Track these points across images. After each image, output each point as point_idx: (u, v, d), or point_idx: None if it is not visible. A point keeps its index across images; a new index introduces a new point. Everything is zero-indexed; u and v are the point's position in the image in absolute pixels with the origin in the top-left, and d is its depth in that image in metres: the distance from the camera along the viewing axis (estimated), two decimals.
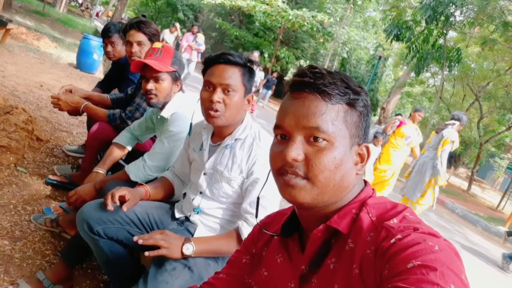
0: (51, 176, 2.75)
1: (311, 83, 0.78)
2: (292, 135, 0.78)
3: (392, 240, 0.67)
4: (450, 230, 7.20)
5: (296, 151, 0.76)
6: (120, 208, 1.61)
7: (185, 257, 1.38)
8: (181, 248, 1.37)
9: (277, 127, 0.82)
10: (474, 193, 16.62)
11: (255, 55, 7.71)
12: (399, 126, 6.02)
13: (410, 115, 6.14)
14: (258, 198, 1.05)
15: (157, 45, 1.98)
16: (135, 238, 1.38)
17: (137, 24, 2.47)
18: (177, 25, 11.79)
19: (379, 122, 20.06)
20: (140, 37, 2.46)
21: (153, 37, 2.48)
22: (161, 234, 1.39)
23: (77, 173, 2.76)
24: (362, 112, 0.81)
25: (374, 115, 21.46)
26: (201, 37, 10.47)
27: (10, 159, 2.77)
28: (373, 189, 0.87)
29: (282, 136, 0.81)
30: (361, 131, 0.82)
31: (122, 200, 1.56)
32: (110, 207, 1.51)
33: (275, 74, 18.54)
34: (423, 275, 0.59)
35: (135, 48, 2.45)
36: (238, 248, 1.08)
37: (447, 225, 7.38)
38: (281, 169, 0.79)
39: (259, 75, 7.62)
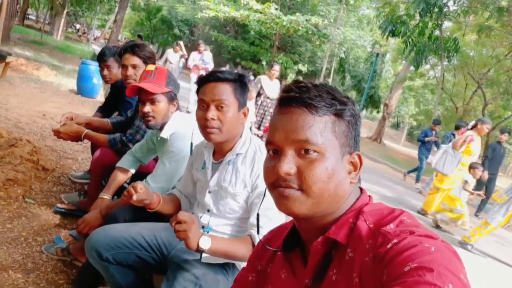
0: (59, 205, 2.78)
1: (297, 98, 0.79)
2: (283, 150, 0.79)
3: (389, 245, 0.68)
4: None
5: (288, 165, 0.78)
6: (127, 232, 1.62)
7: (199, 251, 1.33)
8: (198, 240, 1.31)
9: (268, 142, 0.83)
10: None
11: (276, 68, 7.32)
12: (469, 142, 5.55)
13: (475, 126, 5.59)
14: (257, 215, 1.06)
15: (151, 67, 2.01)
16: (172, 224, 1.31)
17: (131, 48, 2.50)
18: (181, 43, 10.99)
19: (383, 119, 19.99)
20: (135, 60, 2.49)
21: (148, 59, 2.51)
22: (189, 218, 1.31)
23: (84, 200, 2.79)
24: (350, 122, 0.82)
25: (378, 112, 21.38)
26: (208, 55, 9.95)
27: (18, 192, 2.80)
28: (369, 196, 0.87)
29: (274, 151, 0.82)
30: (351, 140, 0.83)
31: (135, 191, 1.54)
32: (135, 197, 1.51)
33: (284, 82, 18.57)
34: (420, 277, 0.59)
35: (130, 71, 2.49)
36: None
37: None
38: (274, 183, 0.80)
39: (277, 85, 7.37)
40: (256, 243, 1.40)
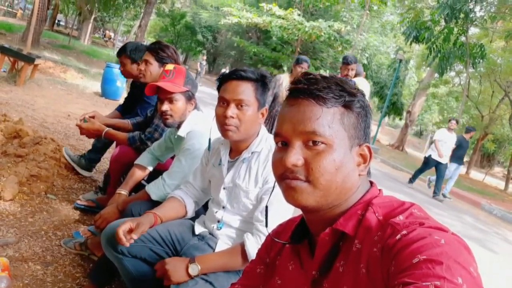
0: (79, 201, 2.85)
1: (305, 89, 0.79)
2: (290, 141, 0.80)
3: (398, 236, 0.67)
4: (487, 232, 6.90)
5: (295, 156, 0.78)
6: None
7: (192, 278, 1.41)
8: (186, 270, 1.41)
9: (276, 134, 0.84)
10: None
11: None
12: None
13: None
14: (266, 207, 1.06)
15: (169, 67, 2.05)
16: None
17: (150, 46, 2.64)
18: (306, 62, 4.97)
19: (406, 126, 19.64)
20: (148, 56, 2.59)
21: (164, 59, 2.57)
22: (164, 263, 1.44)
23: (104, 197, 2.84)
24: (360, 113, 0.82)
25: (400, 119, 21.04)
26: (364, 85, 4.93)
27: (41, 187, 2.88)
28: (379, 190, 0.86)
29: (282, 143, 0.82)
30: (360, 131, 0.82)
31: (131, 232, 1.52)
32: (126, 243, 1.49)
33: None
34: (429, 270, 0.58)
35: (142, 66, 2.60)
36: (244, 261, 1.09)
37: (484, 227, 7.08)
38: (282, 175, 0.80)
39: None
40: (247, 250, 1.45)
